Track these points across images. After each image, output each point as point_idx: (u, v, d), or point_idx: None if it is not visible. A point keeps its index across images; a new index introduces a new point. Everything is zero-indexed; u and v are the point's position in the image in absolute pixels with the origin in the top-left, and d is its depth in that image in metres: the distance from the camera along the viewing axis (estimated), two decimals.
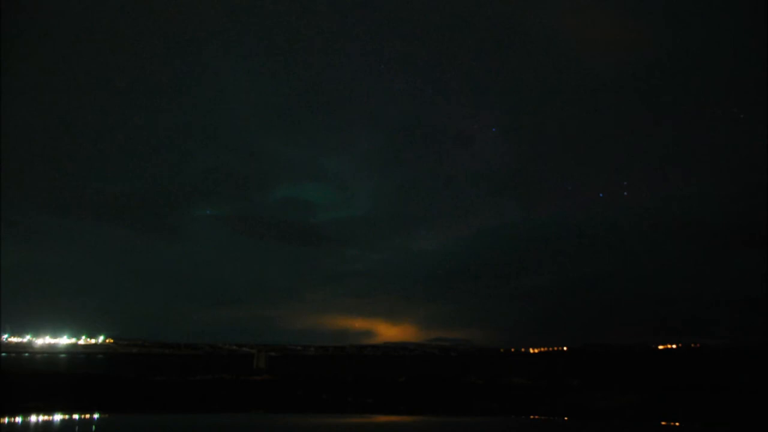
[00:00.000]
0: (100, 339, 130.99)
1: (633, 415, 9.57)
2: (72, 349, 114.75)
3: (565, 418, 6.27)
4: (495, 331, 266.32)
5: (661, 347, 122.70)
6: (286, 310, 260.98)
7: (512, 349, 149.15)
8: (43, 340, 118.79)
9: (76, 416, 2.98)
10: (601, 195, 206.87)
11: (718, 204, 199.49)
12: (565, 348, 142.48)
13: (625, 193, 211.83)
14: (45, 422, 2.71)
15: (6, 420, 2.50)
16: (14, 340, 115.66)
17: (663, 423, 4.38)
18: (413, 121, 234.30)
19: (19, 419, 2.66)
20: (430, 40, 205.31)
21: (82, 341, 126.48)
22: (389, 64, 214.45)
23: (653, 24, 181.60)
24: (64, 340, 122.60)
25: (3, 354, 66.08)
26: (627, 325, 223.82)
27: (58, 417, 2.84)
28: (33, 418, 2.78)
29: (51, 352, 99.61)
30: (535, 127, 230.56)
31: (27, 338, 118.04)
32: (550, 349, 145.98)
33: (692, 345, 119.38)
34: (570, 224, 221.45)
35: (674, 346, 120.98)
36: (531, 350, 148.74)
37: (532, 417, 5.56)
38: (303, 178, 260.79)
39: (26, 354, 74.42)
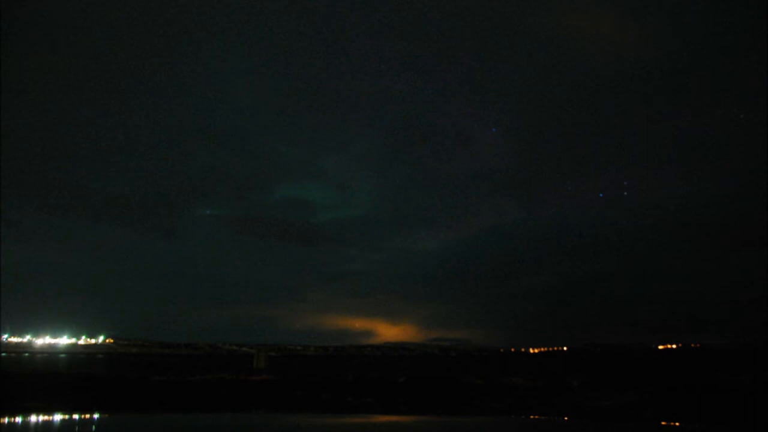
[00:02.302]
0: (100, 339, 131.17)
1: (633, 415, 9.57)
2: (72, 349, 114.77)
3: (565, 418, 6.28)
4: (495, 331, 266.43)
5: (661, 347, 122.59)
6: (286, 310, 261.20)
7: (512, 349, 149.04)
8: (43, 340, 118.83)
9: (76, 416, 2.98)
10: (601, 195, 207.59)
11: (717, 204, 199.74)
12: (565, 348, 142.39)
13: (625, 193, 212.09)
14: (45, 422, 2.70)
15: (6, 420, 2.50)
16: (14, 340, 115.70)
17: (663, 423, 4.39)
18: (413, 121, 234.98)
19: (19, 419, 2.65)
20: (430, 40, 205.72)
21: (82, 341, 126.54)
22: (389, 64, 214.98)
23: (653, 24, 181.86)
24: (64, 340, 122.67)
25: (3, 354, 66.08)
26: (627, 325, 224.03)
27: (58, 417, 2.84)
28: (33, 418, 2.78)
29: (51, 352, 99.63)
30: (535, 127, 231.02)
31: (27, 338, 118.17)
32: (550, 349, 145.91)
33: (692, 345, 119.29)
34: (570, 224, 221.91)
35: (674, 346, 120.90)
36: (531, 350, 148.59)
37: (532, 417, 5.56)
38: (303, 178, 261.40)
39: (26, 354, 74.40)
